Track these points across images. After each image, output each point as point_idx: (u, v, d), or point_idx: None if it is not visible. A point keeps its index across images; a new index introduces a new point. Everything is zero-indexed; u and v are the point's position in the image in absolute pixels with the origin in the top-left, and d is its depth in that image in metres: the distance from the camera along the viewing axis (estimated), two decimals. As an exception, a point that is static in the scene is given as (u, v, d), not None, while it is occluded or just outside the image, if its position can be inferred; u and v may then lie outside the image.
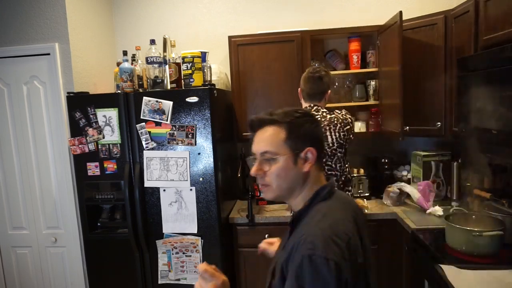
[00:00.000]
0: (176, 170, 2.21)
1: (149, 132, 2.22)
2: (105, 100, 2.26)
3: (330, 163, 2.08)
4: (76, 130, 2.28)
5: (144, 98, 2.20)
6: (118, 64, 2.46)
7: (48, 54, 2.43)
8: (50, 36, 2.43)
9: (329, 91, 2.13)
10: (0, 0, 2.43)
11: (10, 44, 2.45)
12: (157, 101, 2.20)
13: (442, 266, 1.58)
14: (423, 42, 2.33)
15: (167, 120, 2.20)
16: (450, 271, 1.53)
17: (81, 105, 2.26)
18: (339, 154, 2.07)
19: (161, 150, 2.22)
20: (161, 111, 2.20)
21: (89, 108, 2.26)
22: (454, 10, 2.12)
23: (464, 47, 2.01)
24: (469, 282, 1.44)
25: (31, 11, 2.42)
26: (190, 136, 2.19)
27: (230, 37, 2.60)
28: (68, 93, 2.32)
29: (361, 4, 2.84)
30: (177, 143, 2.20)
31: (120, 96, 2.25)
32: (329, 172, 2.07)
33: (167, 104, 2.19)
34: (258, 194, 2.66)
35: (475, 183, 2.16)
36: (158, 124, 2.21)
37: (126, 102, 2.24)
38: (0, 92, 2.51)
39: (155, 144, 2.23)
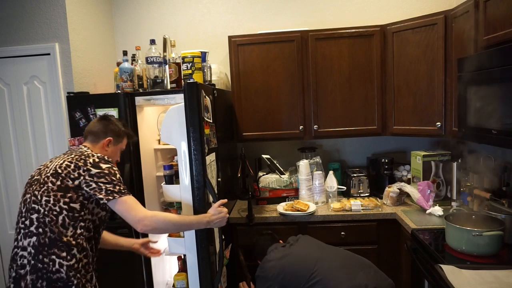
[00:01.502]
0: (212, 175, 2.04)
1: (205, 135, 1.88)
2: (105, 100, 2.26)
3: None
4: (76, 130, 2.28)
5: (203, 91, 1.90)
6: (118, 64, 2.46)
7: (48, 54, 2.43)
8: (50, 36, 2.43)
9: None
10: (1, 0, 2.43)
11: (10, 44, 2.45)
12: (205, 96, 1.94)
13: (442, 266, 1.58)
14: (423, 42, 2.33)
15: (210, 118, 1.97)
16: (450, 271, 1.53)
17: (81, 105, 2.26)
18: None
19: (209, 154, 1.95)
20: (207, 108, 1.96)
21: (89, 108, 2.26)
22: (454, 10, 2.13)
23: (464, 47, 2.01)
24: (469, 282, 1.44)
25: (31, 11, 2.42)
26: (214, 135, 2.09)
27: (230, 37, 2.60)
28: (68, 93, 2.32)
29: (362, 4, 2.85)
30: (211, 145, 2.01)
31: (120, 96, 2.25)
32: None
33: (208, 100, 1.98)
34: (258, 194, 2.66)
35: (475, 183, 2.16)
36: (206, 124, 1.92)
37: (126, 102, 2.24)
38: (0, 92, 2.51)
39: (207, 148, 1.91)
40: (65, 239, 1.41)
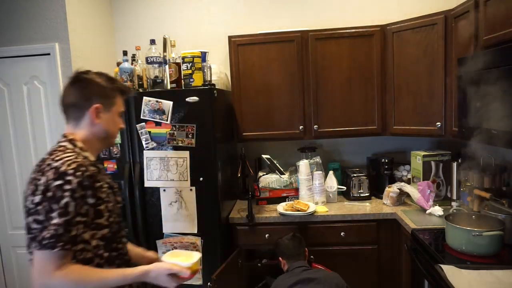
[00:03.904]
0: (176, 170, 2.21)
1: (149, 132, 2.22)
2: (105, 100, 2.26)
3: None
4: (76, 130, 2.28)
5: (144, 98, 2.20)
6: (118, 64, 2.46)
7: (48, 54, 2.43)
8: (50, 36, 2.43)
9: None
10: (0, 0, 2.43)
11: (10, 44, 2.45)
12: (157, 101, 2.20)
13: (442, 266, 1.58)
14: (423, 42, 2.33)
15: (167, 120, 2.20)
16: (450, 271, 1.53)
17: (81, 105, 2.26)
18: None
19: (161, 150, 2.22)
20: (161, 111, 2.20)
21: (89, 108, 2.26)
22: (454, 10, 2.12)
23: (464, 47, 2.01)
24: (469, 282, 1.44)
25: (31, 11, 2.42)
26: (190, 136, 2.19)
27: (230, 37, 2.60)
28: (68, 93, 2.31)
29: (362, 4, 2.85)
30: (177, 143, 2.20)
31: (120, 96, 2.24)
32: None
33: (167, 104, 2.19)
34: (258, 194, 2.66)
35: (475, 183, 2.16)
36: (158, 124, 2.21)
37: (126, 102, 2.24)
38: (0, 92, 2.51)
39: (155, 144, 2.23)
40: None
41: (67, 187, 1.07)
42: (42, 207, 1.06)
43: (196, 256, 1.32)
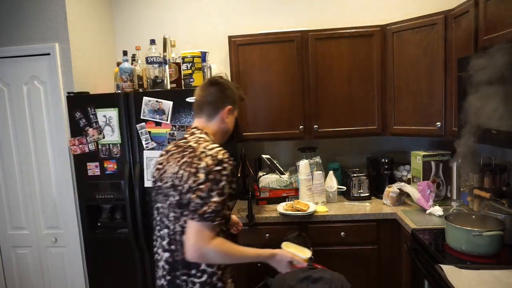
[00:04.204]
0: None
1: (149, 132, 2.23)
2: (105, 100, 2.26)
3: None
4: (76, 130, 2.28)
5: (144, 98, 2.21)
6: (118, 64, 2.46)
7: (48, 54, 2.43)
8: (50, 36, 2.43)
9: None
10: (0, 0, 2.43)
11: (10, 44, 2.45)
12: (157, 101, 2.20)
13: (442, 266, 1.58)
14: (423, 42, 2.33)
15: (167, 120, 2.21)
16: (450, 271, 1.53)
17: (81, 105, 2.27)
18: None
19: (161, 150, 2.21)
20: (161, 111, 2.20)
21: (89, 108, 2.26)
22: (454, 10, 2.13)
23: (464, 47, 2.01)
24: (469, 282, 1.44)
25: (31, 11, 2.42)
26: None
27: (230, 37, 2.60)
28: (68, 93, 2.32)
29: (362, 4, 2.85)
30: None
31: (120, 96, 2.25)
32: None
33: (167, 104, 2.19)
34: (258, 194, 2.66)
35: (475, 183, 2.16)
36: (158, 124, 2.22)
37: (126, 102, 2.25)
38: (0, 92, 2.51)
39: (155, 144, 2.23)
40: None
41: (224, 172, 1.26)
42: (205, 186, 1.24)
43: (308, 252, 1.53)
